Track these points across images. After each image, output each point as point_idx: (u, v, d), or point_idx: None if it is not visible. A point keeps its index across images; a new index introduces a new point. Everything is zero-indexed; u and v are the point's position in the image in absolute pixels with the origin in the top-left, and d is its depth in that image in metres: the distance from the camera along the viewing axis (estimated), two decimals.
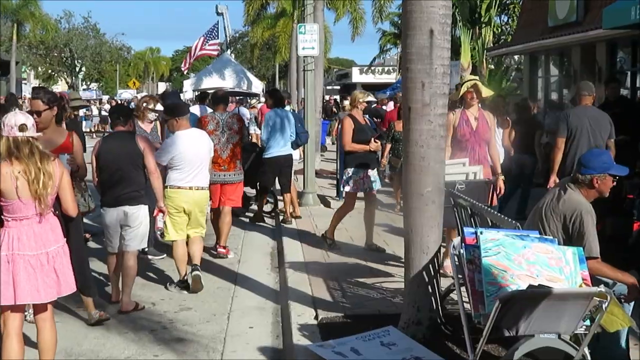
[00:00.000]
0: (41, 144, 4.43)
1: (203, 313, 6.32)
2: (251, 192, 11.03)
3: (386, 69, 49.77)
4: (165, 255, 8.11)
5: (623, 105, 9.71)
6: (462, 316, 4.31)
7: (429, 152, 4.96)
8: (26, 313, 4.94)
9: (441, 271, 5.65)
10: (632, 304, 4.60)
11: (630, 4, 10.10)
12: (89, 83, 63.00)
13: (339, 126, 13.28)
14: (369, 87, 31.36)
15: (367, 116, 8.57)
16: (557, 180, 7.18)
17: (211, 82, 24.96)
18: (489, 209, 5.38)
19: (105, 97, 47.90)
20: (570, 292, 4.00)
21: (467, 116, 7.01)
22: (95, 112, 33.36)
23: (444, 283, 5.60)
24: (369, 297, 6.29)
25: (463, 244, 4.32)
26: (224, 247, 8.38)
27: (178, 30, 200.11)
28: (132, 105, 26.83)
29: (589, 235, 4.52)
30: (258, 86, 27.89)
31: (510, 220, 4.67)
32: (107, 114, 25.37)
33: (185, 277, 6.93)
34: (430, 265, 5.07)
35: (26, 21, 43.83)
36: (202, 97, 13.21)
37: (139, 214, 6.35)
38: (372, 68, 48.73)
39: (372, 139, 8.09)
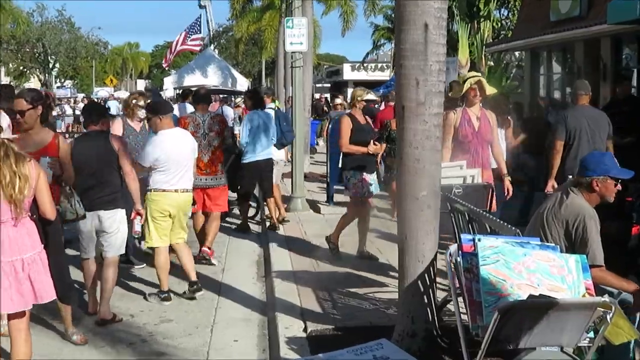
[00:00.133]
0: (25, 145, 4.41)
1: (185, 325, 6.30)
2: (232, 195, 11.00)
3: (379, 65, 49.67)
4: (145, 264, 8.09)
5: (632, 103, 9.79)
6: (459, 328, 4.31)
7: (424, 153, 4.97)
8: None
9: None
10: (638, 314, 4.62)
11: None
12: (63, 80, 62.61)
13: (329, 126, 13.28)
14: (361, 85, 31.22)
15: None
16: (556, 185, 7.22)
17: (193, 80, 24.98)
18: (488, 215, 5.40)
19: (80, 96, 47.65)
20: (573, 302, 4.01)
21: (469, 116, 7.02)
22: (69, 111, 33.17)
23: (440, 293, 5.62)
24: (361, 308, 6.30)
25: (460, 252, 4.31)
26: (209, 248, 8.41)
27: (158, 24, 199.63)
28: (108, 104, 26.65)
29: (593, 242, 4.54)
30: (243, 84, 27.84)
31: (510, 226, 4.69)
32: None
33: (185, 294, 7.02)
34: (426, 274, 5.06)
35: None
36: (184, 95, 13.20)
37: (115, 218, 6.33)
38: (365, 65, 48.73)
39: (372, 141, 8.04)
